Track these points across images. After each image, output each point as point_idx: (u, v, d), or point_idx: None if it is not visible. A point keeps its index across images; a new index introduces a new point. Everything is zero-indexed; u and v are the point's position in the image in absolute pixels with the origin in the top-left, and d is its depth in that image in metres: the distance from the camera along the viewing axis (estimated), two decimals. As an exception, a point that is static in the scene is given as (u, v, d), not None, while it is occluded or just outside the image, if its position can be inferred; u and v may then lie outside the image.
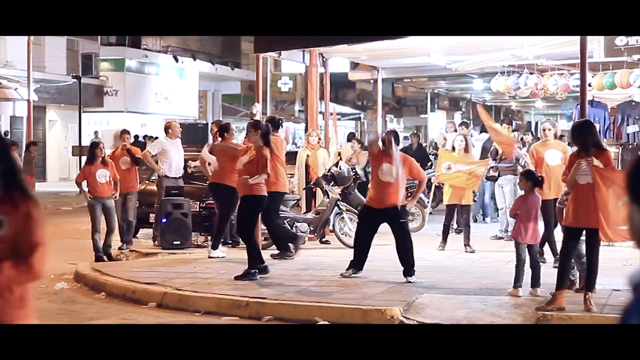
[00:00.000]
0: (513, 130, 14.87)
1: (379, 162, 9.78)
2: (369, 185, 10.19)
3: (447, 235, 12.48)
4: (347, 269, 9.81)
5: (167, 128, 13.65)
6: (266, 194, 10.18)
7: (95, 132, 30.37)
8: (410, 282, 9.47)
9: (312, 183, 13.32)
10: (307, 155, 13.72)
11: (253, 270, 9.83)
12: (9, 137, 29.58)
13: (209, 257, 11.49)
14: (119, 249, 12.71)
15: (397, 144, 9.97)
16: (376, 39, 11.47)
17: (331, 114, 16.21)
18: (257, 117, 11.73)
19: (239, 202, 10.39)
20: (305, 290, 9.00)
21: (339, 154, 14.82)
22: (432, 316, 7.92)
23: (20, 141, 28.76)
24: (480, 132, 18.33)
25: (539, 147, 10.81)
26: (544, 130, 10.98)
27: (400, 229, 9.80)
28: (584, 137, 8.12)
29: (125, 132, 13.77)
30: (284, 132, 12.31)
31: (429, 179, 19.53)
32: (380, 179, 9.70)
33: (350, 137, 20.48)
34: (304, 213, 13.43)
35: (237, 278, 9.74)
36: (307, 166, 13.63)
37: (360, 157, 14.54)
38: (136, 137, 29.04)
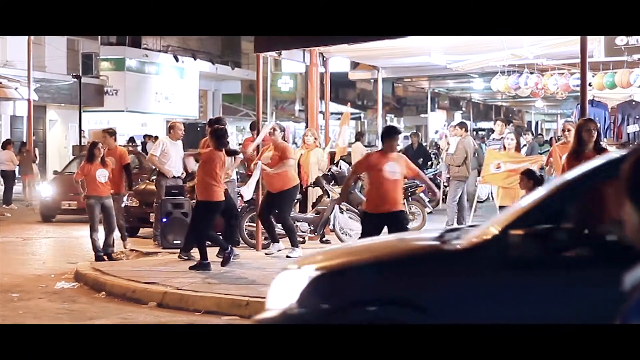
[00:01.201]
0: (517, 127, 14.85)
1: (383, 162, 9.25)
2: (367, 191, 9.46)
3: None
4: None
5: (170, 128, 13.64)
6: (222, 199, 10.61)
7: (82, 132, 30.23)
8: None
9: (312, 183, 13.31)
10: (301, 155, 13.69)
11: (206, 262, 10.46)
12: (34, 138, 29.55)
13: (287, 257, 11.23)
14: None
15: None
16: (376, 39, 11.46)
17: (335, 113, 16.14)
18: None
19: (196, 206, 10.85)
20: (305, 290, 8.99)
21: (342, 154, 14.79)
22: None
23: (20, 140, 28.76)
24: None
25: (561, 149, 10.31)
26: (564, 130, 10.78)
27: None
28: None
29: (106, 132, 13.16)
30: (282, 133, 12.25)
31: (434, 179, 19.60)
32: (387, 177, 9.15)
33: (359, 137, 20.47)
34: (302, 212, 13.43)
35: (191, 268, 10.43)
36: (299, 165, 13.54)
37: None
38: (132, 139, 28.95)
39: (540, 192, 5.05)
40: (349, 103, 20.91)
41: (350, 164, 14.92)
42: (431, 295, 4.50)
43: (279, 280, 4.96)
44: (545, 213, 4.55)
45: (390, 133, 9.41)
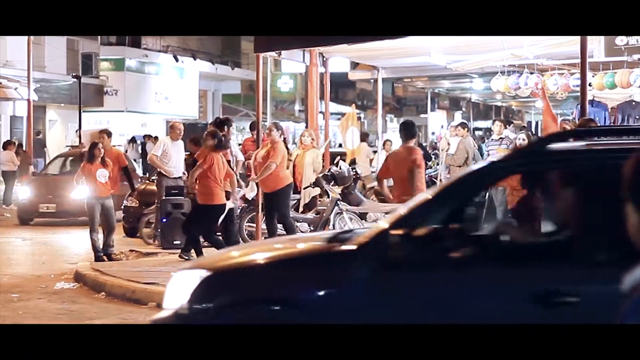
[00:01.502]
0: (522, 128, 14.80)
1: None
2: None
3: None
4: None
5: (170, 128, 13.68)
6: (224, 202, 10.68)
7: (77, 132, 30.16)
8: None
9: (312, 183, 13.29)
10: (297, 155, 13.67)
11: None
12: (40, 136, 29.48)
13: None
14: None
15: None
16: (376, 39, 11.45)
17: (334, 113, 16.16)
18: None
19: (197, 209, 10.88)
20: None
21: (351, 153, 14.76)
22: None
23: (20, 140, 28.80)
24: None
25: None
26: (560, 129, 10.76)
27: None
28: None
29: (104, 133, 13.08)
30: (285, 132, 12.26)
31: (432, 179, 19.58)
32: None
33: (364, 137, 20.43)
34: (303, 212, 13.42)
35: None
36: (294, 166, 13.49)
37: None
38: (133, 139, 28.97)
39: (427, 193, 5.15)
40: (354, 104, 20.91)
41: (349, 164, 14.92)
42: (317, 295, 4.55)
43: (173, 280, 4.98)
44: (431, 213, 4.60)
45: (415, 128, 9.65)
